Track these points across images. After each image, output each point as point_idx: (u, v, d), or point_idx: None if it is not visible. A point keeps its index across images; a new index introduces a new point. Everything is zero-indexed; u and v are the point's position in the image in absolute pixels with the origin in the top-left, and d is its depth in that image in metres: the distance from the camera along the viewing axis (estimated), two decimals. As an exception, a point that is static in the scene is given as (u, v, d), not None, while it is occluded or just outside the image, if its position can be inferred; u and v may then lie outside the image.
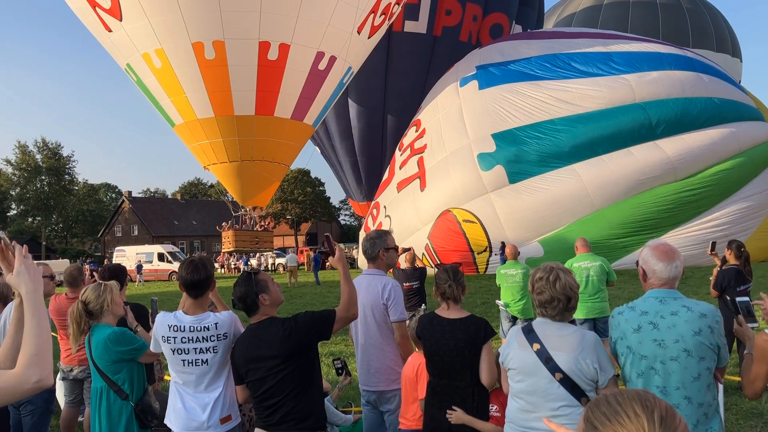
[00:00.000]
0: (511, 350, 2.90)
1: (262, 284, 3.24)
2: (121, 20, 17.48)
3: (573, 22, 34.19)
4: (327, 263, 33.88)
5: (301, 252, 41.29)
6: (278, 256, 40.00)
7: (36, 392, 1.77)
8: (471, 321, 3.44)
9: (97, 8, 17.64)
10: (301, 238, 69.11)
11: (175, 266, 35.35)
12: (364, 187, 30.58)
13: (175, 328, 3.34)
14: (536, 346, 2.76)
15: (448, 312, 3.53)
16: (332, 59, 18.94)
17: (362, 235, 24.63)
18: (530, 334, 2.82)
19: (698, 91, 19.01)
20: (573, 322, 2.92)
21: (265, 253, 40.50)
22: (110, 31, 18.02)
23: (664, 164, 17.98)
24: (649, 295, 2.81)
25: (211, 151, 19.50)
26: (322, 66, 18.81)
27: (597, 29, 27.70)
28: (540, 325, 2.84)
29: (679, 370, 2.63)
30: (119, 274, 4.95)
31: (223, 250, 25.46)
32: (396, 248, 4.24)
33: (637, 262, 3.00)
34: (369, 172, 29.38)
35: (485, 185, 19.31)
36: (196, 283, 3.36)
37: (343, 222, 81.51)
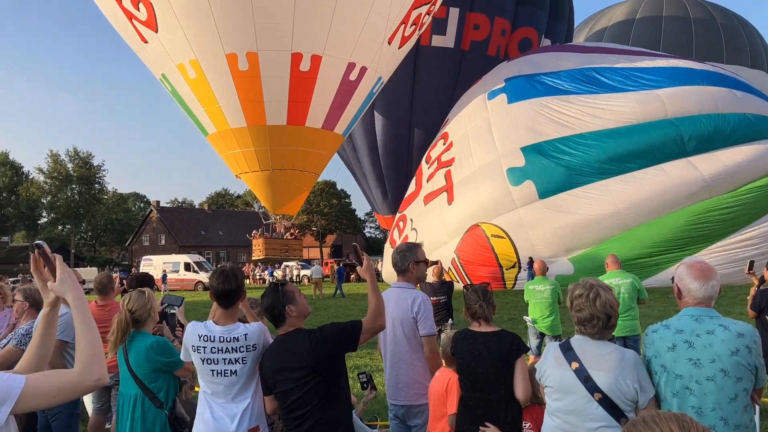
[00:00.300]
0: (548, 367, 2.87)
1: (289, 295, 3.26)
2: (156, 32, 17.91)
3: (605, 36, 33.95)
4: (352, 275, 33.98)
5: (326, 264, 41.40)
6: (303, 267, 40.14)
7: (96, 390, 1.87)
8: (504, 335, 3.46)
9: (133, 20, 18.10)
10: (326, 250, 69.29)
11: (201, 276, 35.62)
12: (389, 201, 30.63)
13: (205, 338, 3.34)
14: (575, 364, 2.72)
15: (480, 327, 3.56)
16: (363, 70, 19.17)
17: (387, 248, 24.66)
18: (568, 352, 2.78)
19: (732, 107, 18.72)
20: (613, 339, 2.88)
21: (290, 265, 40.65)
22: (146, 42, 18.47)
23: (698, 182, 17.67)
24: (685, 314, 2.76)
25: (243, 159, 19.85)
26: (353, 76, 19.06)
27: (628, 46, 27.44)
28: (579, 343, 2.80)
29: (716, 391, 2.58)
30: (147, 282, 5.01)
31: (253, 258, 25.82)
32: (426, 261, 4.22)
33: (672, 279, 2.94)
34: (394, 186, 29.42)
35: (515, 200, 19.21)
36: (227, 293, 3.36)
37: (368, 234, 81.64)
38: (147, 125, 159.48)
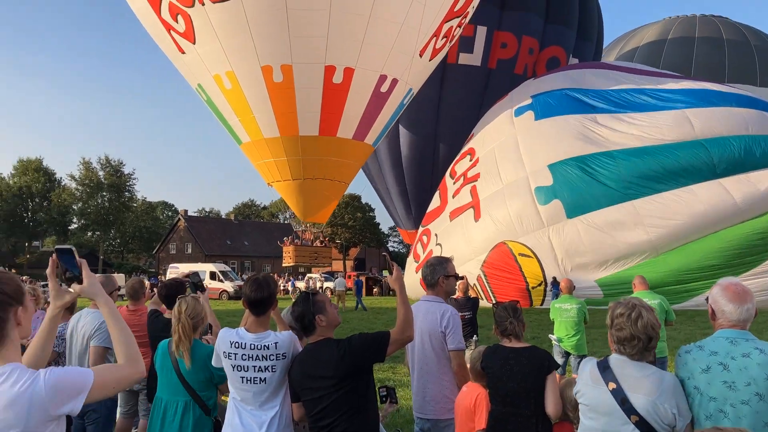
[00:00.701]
0: (584, 385, 2.83)
1: (319, 305, 3.29)
2: (194, 43, 18.38)
3: (635, 57, 33.69)
4: (375, 288, 33.90)
5: (349, 276, 41.47)
6: (326, 279, 40.17)
7: (139, 382, 2.01)
8: (535, 351, 3.48)
9: (171, 31, 18.58)
10: (350, 263, 69.34)
11: (226, 285, 35.89)
12: (412, 216, 30.64)
13: (237, 345, 3.37)
14: (612, 385, 2.68)
15: (510, 343, 3.59)
16: (394, 81, 19.51)
17: (410, 262, 24.65)
18: (606, 371, 2.74)
19: (763, 129, 18.47)
20: (653, 362, 2.84)
21: (314, 277, 40.73)
22: (183, 53, 18.94)
23: (729, 205, 17.42)
24: (719, 335, 2.71)
25: (276, 168, 20.29)
26: (384, 88, 19.41)
27: (659, 66, 27.25)
28: (617, 363, 2.75)
29: (751, 414, 2.53)
30: (179, 290, 4.96)
31: (283, 264, 26.22)
32: (456, 276, 4.22)
33: (706, 299, 2.89)
34: (418, 202, 29.51)
35: (542, 219, 19.22)
36: (260, 301, 3.40)
37: (391, 248, 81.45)
38: (177, 135, 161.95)
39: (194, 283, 4.95)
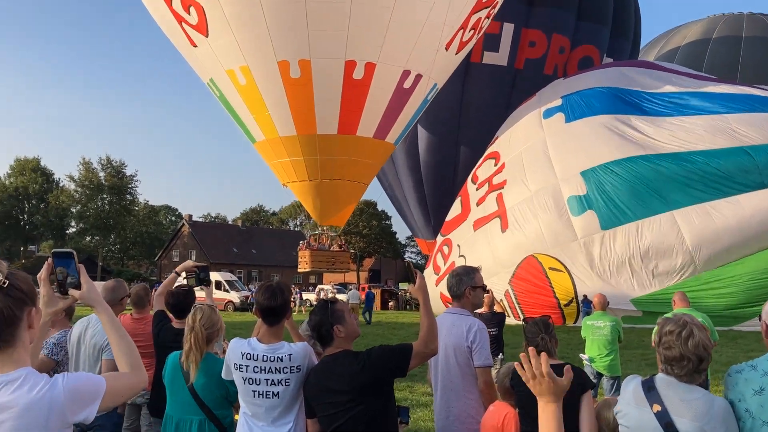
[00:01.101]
0: (626, 405, 2.80)
1: (338, 314, 3.27)
2: (207, 36, 18.58)
3: (677, 57, 33.33)
4: (390, 302, 33.75)
5: (363, 289, 41.48)
6: (339, 291, 40.17)
7: (140, 393, 2.02)
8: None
9: (183, 23, 18.79)
10: (363, 274, 69.29)
11: (232, 295, 35.92)
12: (432, 225, 30.49)
13: (248, 356, 3.36)
14: (656, 407, 2.63)
15: None
16: (418, 77, 19.60)
17: (429, 273, 24.60)
18: (651, 392, 2.69)
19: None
20: (703, 384, 2.81)
21: (325, 288, 40.70)
22: (195, 46, 19.16)
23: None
24: None
25: (291, 169, 20.53)
26: (407, 84, 19.51)
27: (702, 67, 27.00)
28: (663, 383, 2.71)
29: None
30: (189, 297, 4.88)
31: (299, 270, 26.33)
32: (484, 288, 4.21)
33: (758, 317, 2.87)
34: (438, 209, 29.32)
35: (575, 231, 19.11)
36: (273, 309, 3.40)
37: (408, 259, 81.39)
38: (182, 136, 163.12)
39: (200, 277, 4.94)
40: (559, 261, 19.17)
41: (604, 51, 28.26)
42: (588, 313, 13.15)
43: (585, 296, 17.97)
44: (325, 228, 23.80)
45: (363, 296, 33.23)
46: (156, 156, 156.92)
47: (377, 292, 36.48)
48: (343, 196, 21.42)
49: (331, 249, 24.58)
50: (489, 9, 20.49)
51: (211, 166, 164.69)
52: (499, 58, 26.61)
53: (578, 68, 26.88)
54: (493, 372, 4.03)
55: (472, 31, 20.50)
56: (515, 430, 3.53)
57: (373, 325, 24.67)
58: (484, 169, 23.48)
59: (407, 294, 37.38)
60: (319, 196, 21.03)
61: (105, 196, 62.26)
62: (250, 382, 3.37)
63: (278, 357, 3.34)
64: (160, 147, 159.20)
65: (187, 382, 3.91)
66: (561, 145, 20.79)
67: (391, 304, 37.63)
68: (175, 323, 4.77)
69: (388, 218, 68.41)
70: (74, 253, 2.27)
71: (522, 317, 17.43)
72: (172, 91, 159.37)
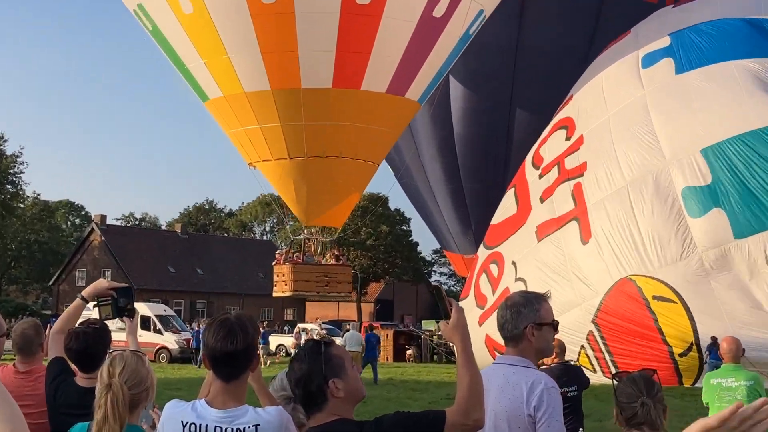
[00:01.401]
0: None
1: (336, 364, 3.28)
2: None
3: None
4: (408, 351, 33.74)
5: (365, 328, 41.49)
6: (329, 332, 40.05)
7: None
8: None
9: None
10: (367, 307, 69.15)
11: (167, 338, 36.44)
12: (472, 231, 30.37)
13: (193, 428, 3.34)
14: None
15: None
16: (454, 2, 19.53)
17: (467, 306, 24.55)
18: None
19: None
20: None
21: (310, 328, 40.53)
22: None
23: None
24: None
25: (263, 140, 20.47)
26: (438, 12, 19.57)
27: None
28: None
29: None
30: (103, 336, 4.85)
31: (274, 294, 25.98)
32: (555, 325, 4.23)
33: None
34: (480, 208, 29.52)
35: (695, 242, 19.24)
36: (231, 355, 3.41)
37: (436, 283, 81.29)
38: (91, 99, 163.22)
39: (119, 305, 4.98)
40: (670, 286, 19.20)
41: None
42: (716, 367, 13.32)
43: (713, 338, 17.91)
44: (313, 231, 23.62)
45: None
46: (52, 129, 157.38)
47: (388, 334, 36.30)
48: (341, 181, 21.48)
49: (324, 263, 24.16)
50: None
51: (136, 145, 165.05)
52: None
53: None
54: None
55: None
56: None
57: (381, 385, 24.45)
58: (551, 146, 23.76)
59: (435, 336, 37.60)
60: (306, 182, 21.06)
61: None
62: (197, 470, 3.39)
63: (238, 429, 3.37)
64: (58, 115, 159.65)
65: None
66: (670, 108, 20.96)
67: (409, 352, 38.10)
68: (81, 378, 4.77)
69: (406, 221, 68.33)
70: None
71: (613, 372, 17.36)
72: (78, 27, 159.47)
